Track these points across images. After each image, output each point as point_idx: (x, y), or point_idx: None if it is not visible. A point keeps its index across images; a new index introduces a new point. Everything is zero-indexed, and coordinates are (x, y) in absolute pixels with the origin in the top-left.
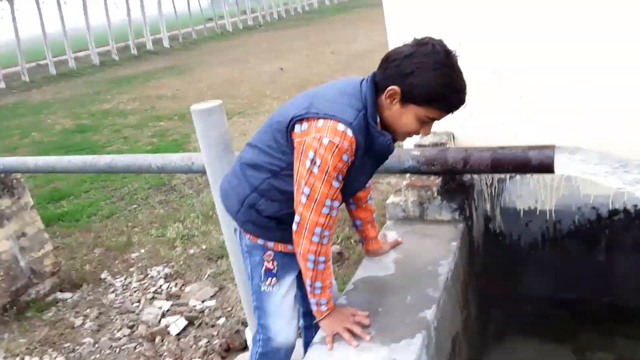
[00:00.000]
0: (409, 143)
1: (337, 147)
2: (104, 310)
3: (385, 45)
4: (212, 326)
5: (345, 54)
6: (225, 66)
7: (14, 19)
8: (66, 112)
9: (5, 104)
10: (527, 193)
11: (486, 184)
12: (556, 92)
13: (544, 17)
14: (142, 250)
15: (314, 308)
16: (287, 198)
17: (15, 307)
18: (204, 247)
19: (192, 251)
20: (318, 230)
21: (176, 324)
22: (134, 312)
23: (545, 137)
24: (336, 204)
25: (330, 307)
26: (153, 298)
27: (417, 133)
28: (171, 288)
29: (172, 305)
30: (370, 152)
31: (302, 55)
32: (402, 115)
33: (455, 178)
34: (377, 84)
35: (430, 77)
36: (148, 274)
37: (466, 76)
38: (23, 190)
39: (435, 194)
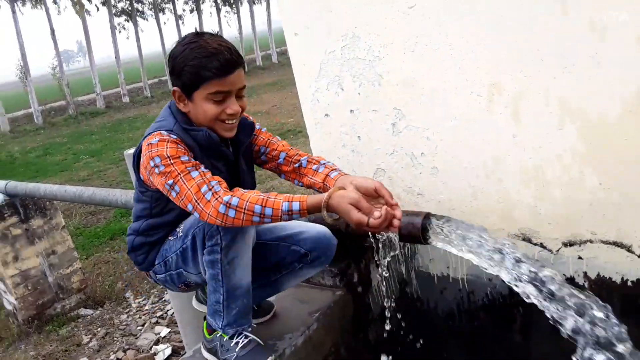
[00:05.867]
0: None
1: (166, 141)
2: (111, 331)
3: None
4: None
5: None
6: None
7: (137, 38)
8: None
9: (127, 117)
10: (438, 257)
11: (400, 244)
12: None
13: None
14: None
15: (295, 217)
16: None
17: (38, 320)
18: None
19: None
20: (204, 189)
21: (164, 352)
22: (135, 335)
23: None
24: (201, 167)
25: (303, 200)
26: (157, 322)
27: (225, 114)
28: None
29: (169, 333)
30: (207, 153)
31: None
32: (197, 107)
33: (348, 239)
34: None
35: (183, 60)
36: (162, 297)
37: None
38: (55, 211)
39: None
